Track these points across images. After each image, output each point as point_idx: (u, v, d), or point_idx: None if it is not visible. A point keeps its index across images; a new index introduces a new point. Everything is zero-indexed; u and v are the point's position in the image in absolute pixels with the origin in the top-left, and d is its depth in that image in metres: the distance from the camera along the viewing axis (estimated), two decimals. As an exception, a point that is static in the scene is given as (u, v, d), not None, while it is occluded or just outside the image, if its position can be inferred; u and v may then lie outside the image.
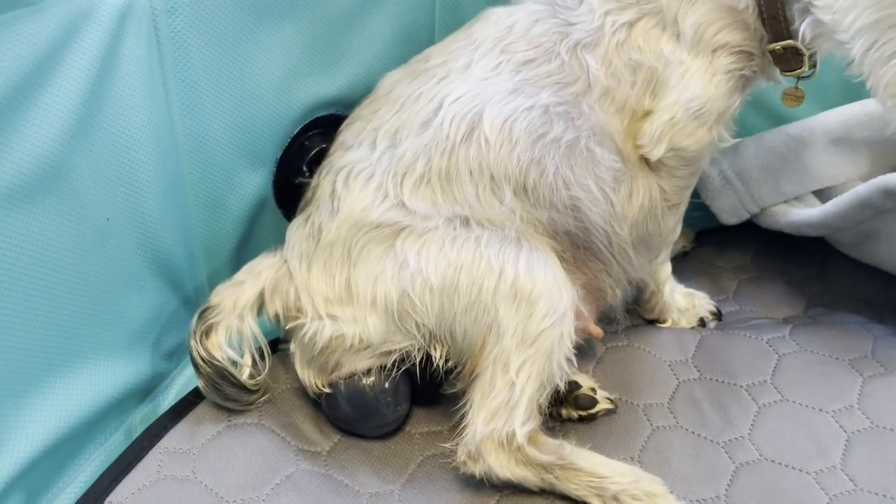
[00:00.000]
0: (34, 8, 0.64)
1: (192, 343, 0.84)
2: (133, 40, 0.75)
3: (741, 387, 0.94)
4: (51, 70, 0.67)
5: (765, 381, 0.95)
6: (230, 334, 0.85)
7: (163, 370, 0.92)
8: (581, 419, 0.90)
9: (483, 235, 0.82)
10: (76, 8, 0.68)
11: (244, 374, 0.86)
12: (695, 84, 0.85)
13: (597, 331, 0.94)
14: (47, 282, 0.72)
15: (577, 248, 0.88)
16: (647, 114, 0.87)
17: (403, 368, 0.85)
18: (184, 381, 0.94)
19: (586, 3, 0.87)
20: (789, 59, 0.88)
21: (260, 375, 0.88)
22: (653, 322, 1.05)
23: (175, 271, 0.90)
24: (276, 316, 0.88)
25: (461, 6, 1.05)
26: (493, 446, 0.78)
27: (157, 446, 0.82)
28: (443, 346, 0.83)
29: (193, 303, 0.95)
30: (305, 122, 0.96)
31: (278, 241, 0.93)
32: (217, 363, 0.84)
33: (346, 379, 0.84)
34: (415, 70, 0.90)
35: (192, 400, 0.89)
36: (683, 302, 1.05)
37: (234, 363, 0.86)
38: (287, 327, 0.88)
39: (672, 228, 0.97)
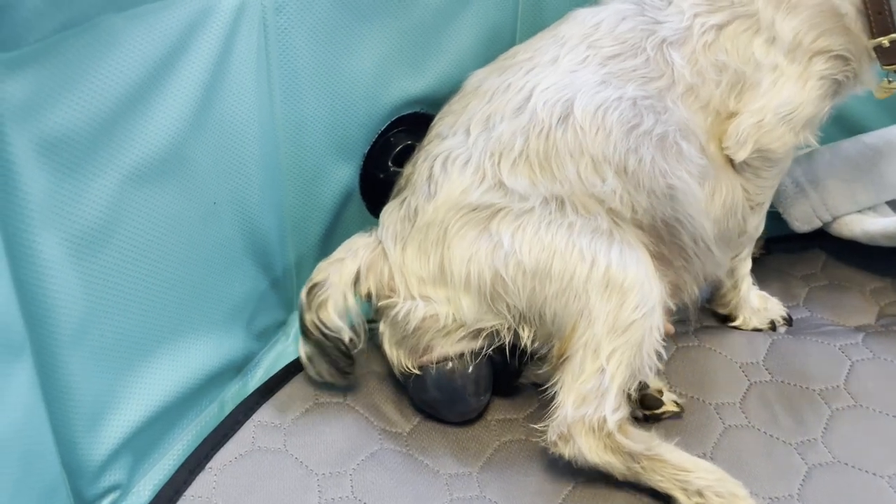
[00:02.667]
0: (165, 2, 0.69)
1: (308, 315, 0.88)
2: (245, 35, 0.80)
3: (814, 391, 0.95)
4: (176, 61, 0.72)
5: (837, 386, 0.95)
6: (338, 308, 0.88)
7: (253, 349, 0.97)
8: (645, 418, 0.91)
9: (576, 223, 0.83)
10: (200, 4, 0.73)
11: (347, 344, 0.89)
12: (788, 89, 0.87)
13: (669, 327, 0.95)
14: (164, 258, 0.77)
15: (664, 243, 0.90)
16: (732, 115, 0.89)
17: (487, 354, 0.87)
18: (271, 360, 0.99)
19: (675, 4, 0.89)
20: (894, 53, 0.89)
21: (357, 347, 0.91)
22: (724, 321, 1.07)
23: (268, 255, 0.95)
24: (369, 294, 0.90)
25: (543, 7, 1.09)
26: (583, 430, 0.80)
27: (250, 419, 0.87)
28: (531, 327, 0.85)
29: (281, 286, 0.99)
30: (392, 119, 1.01)
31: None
32: (331, 333, 0.87)
33: (436, 363, 0.87)
34: (501, 66, 0.93)
35: (280, 378, 0.93)
36: (757, 302, 1.06)
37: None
38: (379, 305, 0.90)
39: (756, 226, 0.99)
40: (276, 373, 0.94)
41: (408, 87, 0.99)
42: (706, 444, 0.89)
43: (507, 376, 0.90)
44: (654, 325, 0.83)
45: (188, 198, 0.78)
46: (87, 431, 0.73)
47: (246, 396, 0.91)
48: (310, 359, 0.91)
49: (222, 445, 0.84)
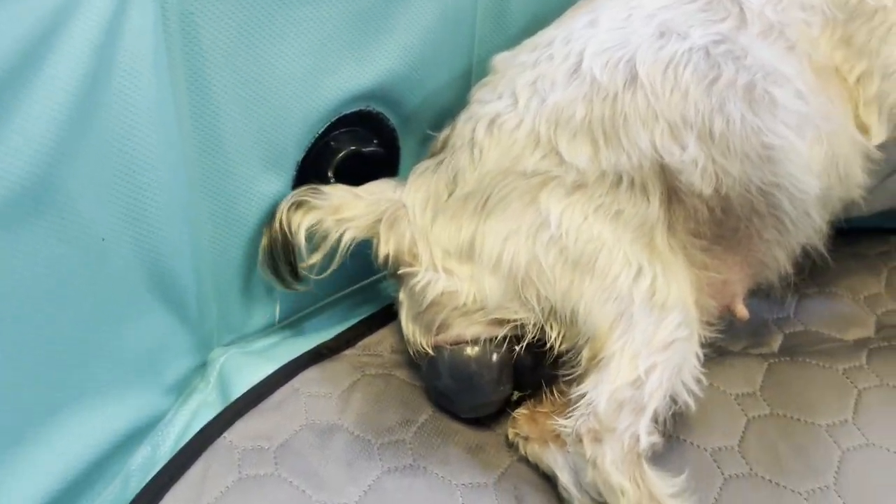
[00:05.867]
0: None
1: (282, 205, 0.80)
2: (138, 14, 0.61)
3: (820, 427, 0.84)
4: (49, 50, 0.54)
5: (846, 420, 0.84)
6: (310, 224, 0.79)
7: (163, 408, 0.79)
8: None
9: (624, 212, 0.74)
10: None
11: (302, 266, 0.82)
12: None
13: (742, 311, 0.84)
14: (40, 317, 0.59)
15: (758, 215, 0.78)
16: (846, 64, 0.80)
17: (512, 345, 0.77)
18: (186, 417, 0.81)
19: None
20: None
21: (311, 277, 0.83)
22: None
23: (179, 293, 0.77)
24: (387, 258, 0.80)
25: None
26: (614, 438, 0.69)
27: (160, 506, 0.70)
28: (560, 325, 0.75)
29: (197, 324, 0.82)
30: (332, 120, 0.83)
31: (295, 256, 0.82)
32: (288, 236, 0.80)
33: (451, 345, 0.77)
34: (532, 44, 0.81)
35: (197, 447, 0.76)
36: None
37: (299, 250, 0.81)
38: (398, 273, 0.81)
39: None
40: (192, 439, 0.76)
41: (351, 79, 0.81)
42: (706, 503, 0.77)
43: (532, 375, 0.80)
44: (691, 351, 0.74)
45: (66, 238, 0.60)
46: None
47: (154, 475, 0.72)
48: (263, 249, 0.82)
49: (125, 547, 0.67)
